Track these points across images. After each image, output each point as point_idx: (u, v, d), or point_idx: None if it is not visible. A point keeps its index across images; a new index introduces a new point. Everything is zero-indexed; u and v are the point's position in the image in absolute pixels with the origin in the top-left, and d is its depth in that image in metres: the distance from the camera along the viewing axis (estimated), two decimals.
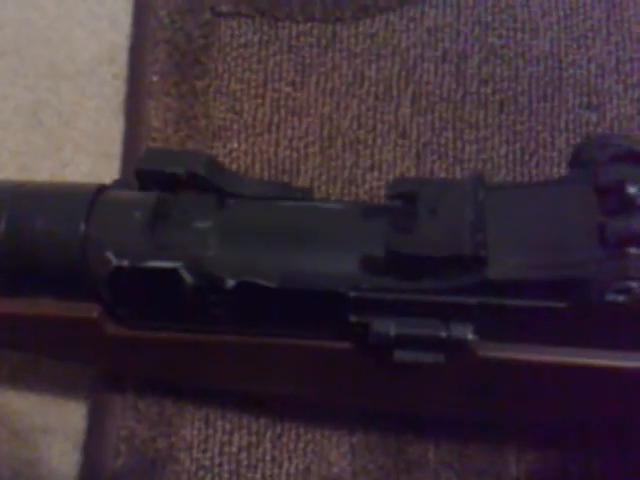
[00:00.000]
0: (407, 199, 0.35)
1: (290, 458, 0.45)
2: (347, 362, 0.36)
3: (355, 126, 0.50)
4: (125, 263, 0.34)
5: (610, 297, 0.30)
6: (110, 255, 0.34)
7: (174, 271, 0.33)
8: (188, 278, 0.34)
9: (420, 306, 0.32)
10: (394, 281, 0.33)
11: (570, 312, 0.31)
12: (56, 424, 0.46)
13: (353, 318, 0.33)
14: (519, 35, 0.51)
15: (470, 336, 0.32)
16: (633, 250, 0.31)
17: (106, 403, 0.46)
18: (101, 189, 0.36)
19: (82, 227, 0.35)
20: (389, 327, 0.33)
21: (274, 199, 0.38)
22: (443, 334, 0.32)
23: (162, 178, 0.37)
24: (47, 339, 0.40)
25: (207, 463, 0.45)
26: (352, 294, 0.33)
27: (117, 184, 0.39)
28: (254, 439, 0.45)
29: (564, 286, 0.31)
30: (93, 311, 0.36)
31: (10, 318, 0.37)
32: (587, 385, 0.34)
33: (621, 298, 0.30)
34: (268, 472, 0.45)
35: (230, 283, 0.33)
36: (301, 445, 0.45)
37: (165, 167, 0.37)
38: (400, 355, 0.33)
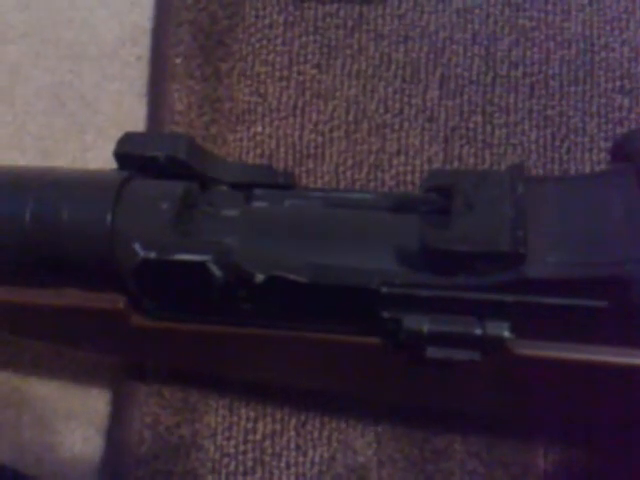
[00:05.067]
0: (442, 192, 0.34)
1: (315, 446, 0.44)
2: (377, 358, 0.35)
3: (382, 110, 0.49)
4: (152, 255, 0.33)
5: None
6: (137, 247, 0.33)
7: (202, 264, 0.33)
8: (216, 272, 0.33)
9: (455, 303, 0.32)
10: (428, 277, 0.32)
11: (610, 312, 0.30)
12: (79, 410, 0.46)
13: (385, 314, 0.32)
14: (550, 17, 0.50)
15: (506, 334, 0.31)
16: None
17: (130, 389, 0.46)
18: (128, 178, 0.36)
19: (109, 218, 0.34)
20: (422, 324, 0.32)
21: (257, 185, 0.37)
22: (478, 332, 0.31)
23: (141, 162, 0.36)
24: (72, 330, 0.39)
25: (231, 450, 0.45)
26: (384, 290, 0.32)
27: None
28: (278, 427, 0.45)
29: (604, 285, 0.30)
30: (119, 302, 0.36)
31: (35, 309, 0.37)
32: (625, 384, 0.34)
33: None
34: (292, 460, 0.44)
35: (259, 278, 0.33)
36: (326, 433, 0.45)
37: (144, 150, 0.36)
38: (433, 352, 0.32)
